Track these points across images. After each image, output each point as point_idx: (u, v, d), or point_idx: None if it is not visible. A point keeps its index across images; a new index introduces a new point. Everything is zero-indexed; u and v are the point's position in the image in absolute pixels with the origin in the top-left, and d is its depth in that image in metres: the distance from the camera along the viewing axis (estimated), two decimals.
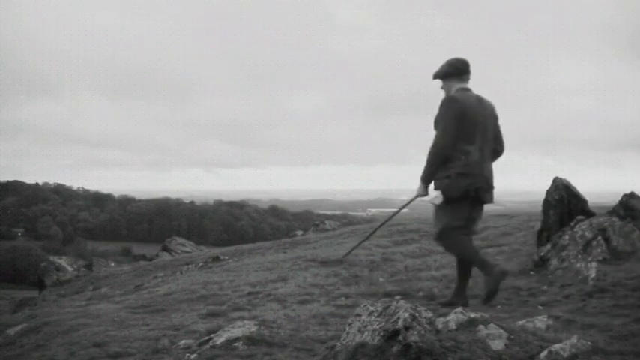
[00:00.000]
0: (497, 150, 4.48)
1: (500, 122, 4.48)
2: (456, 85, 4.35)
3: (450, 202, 4.20)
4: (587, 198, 6.10)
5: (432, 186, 4.34)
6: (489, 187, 4.29)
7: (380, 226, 6.61)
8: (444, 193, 4.19)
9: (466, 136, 4.17)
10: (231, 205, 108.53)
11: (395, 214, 5.63)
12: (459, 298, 4.29)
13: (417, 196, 4.47)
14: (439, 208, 4.27)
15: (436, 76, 4.46)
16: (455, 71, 4.36)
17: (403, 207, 5.09)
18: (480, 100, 4.31)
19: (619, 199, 5.89)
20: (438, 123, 4.25)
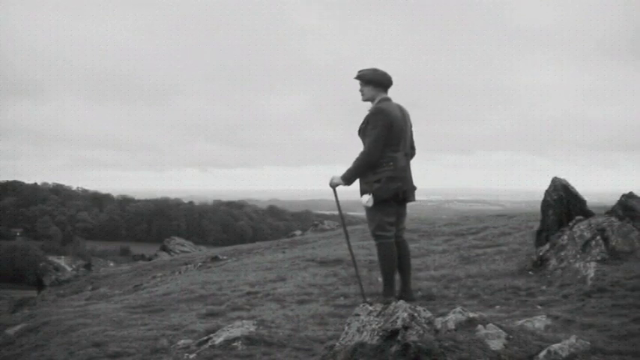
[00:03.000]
0: (412, 154, 4.82)
1: (414, 129, 4.83)
2: (381, 95, 4.66)
3: (379, 202, 4.53)
4: (585, 198, 6.11)
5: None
6: (413, 189, 4.68)
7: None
8: (375, 196, 4.50)
9: (393, 144, 4.52)
10: (230, 205, 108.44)
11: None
12: (406, 293, 4.67)
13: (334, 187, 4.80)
14: (371, 209, 4.57)
15: (361, 78, 4.70)
16: (383, 82, 4.65)
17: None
18: (400, 109, 4.66)
19: (617, 199, 5.89)
20: (365, 131, 4.55)
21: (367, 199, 4.51)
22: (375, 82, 4.65)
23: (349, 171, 4.57)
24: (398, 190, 4.50)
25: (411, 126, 4.76)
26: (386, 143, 4.49)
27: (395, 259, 4.63)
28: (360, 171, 4.55)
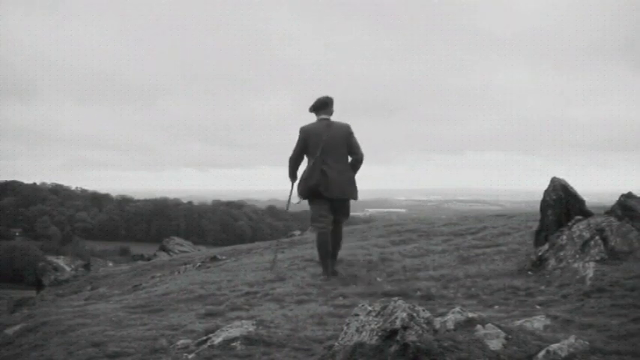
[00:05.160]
0: (354, 158, 6.14)
1: (357, 136, 6.15)
2: (318, 117, 6.14)
3: (311, 200, 6.01)
4: (584, 198, 6.11)
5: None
6: (328, 186, 5.86)
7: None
8: (298, 193, 6.09)
9: (310, 152, 6.00)
10: (230, 205, 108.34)
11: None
12: (327, 274, 5.94)
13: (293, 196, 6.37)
14: (310, 204, 6.05)
15: (310, 110, 6.19)
16: (319, 106, 6.12)
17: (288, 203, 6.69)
18: (329, 125, 6.04)
19: (614, 199, 5.89)
20: None
21: (295, 196, 6.17)
22: (314, 108, 6.15)
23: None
24: (312, 187, 5.88)
25: (347, 136, 6.04)
26: (307, 152, 6.04)
27: (327, 246, 5.88)
28: (290, 171, 6.26)
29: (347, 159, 6.08)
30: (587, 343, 2.72)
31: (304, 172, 6.03)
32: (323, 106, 6.10)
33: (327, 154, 5.89)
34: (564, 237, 5.37)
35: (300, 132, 6.10)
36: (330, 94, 6.16)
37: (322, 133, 5.94)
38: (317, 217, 5.94)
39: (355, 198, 6.09)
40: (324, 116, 6.10)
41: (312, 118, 6.29)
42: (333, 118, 6.21)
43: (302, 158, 6.14)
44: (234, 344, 3.63)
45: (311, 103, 6.15)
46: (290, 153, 6.20)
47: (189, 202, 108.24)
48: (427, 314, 2.95)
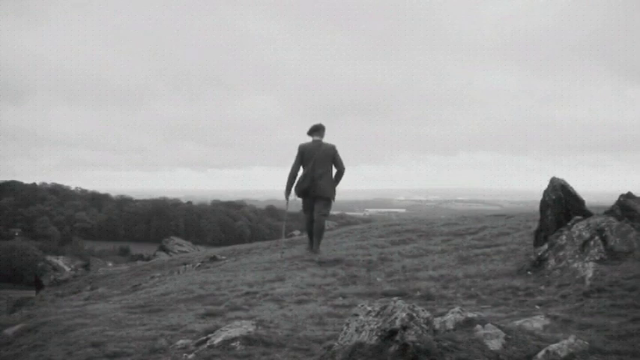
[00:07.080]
0: (338, 170, 8.12)
1: (340, 153, 8.10)
2: (312, 138, 8.12)
3: (302, 198, 8.10)
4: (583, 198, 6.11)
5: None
6: (315, 188, 7.94)
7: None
8: (295, 193, 8.09)
9: (304, 165, 8.01)
10: (229, 205, 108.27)
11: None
12: (310, 250, 8.07)
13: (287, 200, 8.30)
14: (302, 200, 8.15)
15: (307, 134, 8.13)
16: (313, 130, 8.10)
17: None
18: (319, 145, 8.03)
19: (614, 199, 5.89)
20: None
21: (292, 194, 8.07)
22: (309, 132, 8.11)
23: (286, 184, 8.11)
24: (304, 190, 7.95)
25: (332, 154, 7.96)
26: (302, 164, 7.99)
27: (311, 227, 8.13)
28: (288, 182, 8.07)
29: (331, 170, 8.04)
30: (586, 343, 2.72)
31: (299, 177, 8.02)
32: (316, 130, 8.11)
33: (316, 166, 7.92)
34: (564, 237, 5.37)
35: (298, 149, 8.07)
36: (322, 122, 8.16)
37: (314, 150, 7.97)
38: (305, 208, 8.20)
39: (333, 199, 8.11)
40: (316, 138, 8.09)
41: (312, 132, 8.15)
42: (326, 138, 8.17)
43: (299, 169, 8.06)
44: (233, 344, 3.63)
45: (308, 127, 8.18)
46: (290, 167, 8.08)
47: (189, 203, 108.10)
48: (427, 314, 2.95)
